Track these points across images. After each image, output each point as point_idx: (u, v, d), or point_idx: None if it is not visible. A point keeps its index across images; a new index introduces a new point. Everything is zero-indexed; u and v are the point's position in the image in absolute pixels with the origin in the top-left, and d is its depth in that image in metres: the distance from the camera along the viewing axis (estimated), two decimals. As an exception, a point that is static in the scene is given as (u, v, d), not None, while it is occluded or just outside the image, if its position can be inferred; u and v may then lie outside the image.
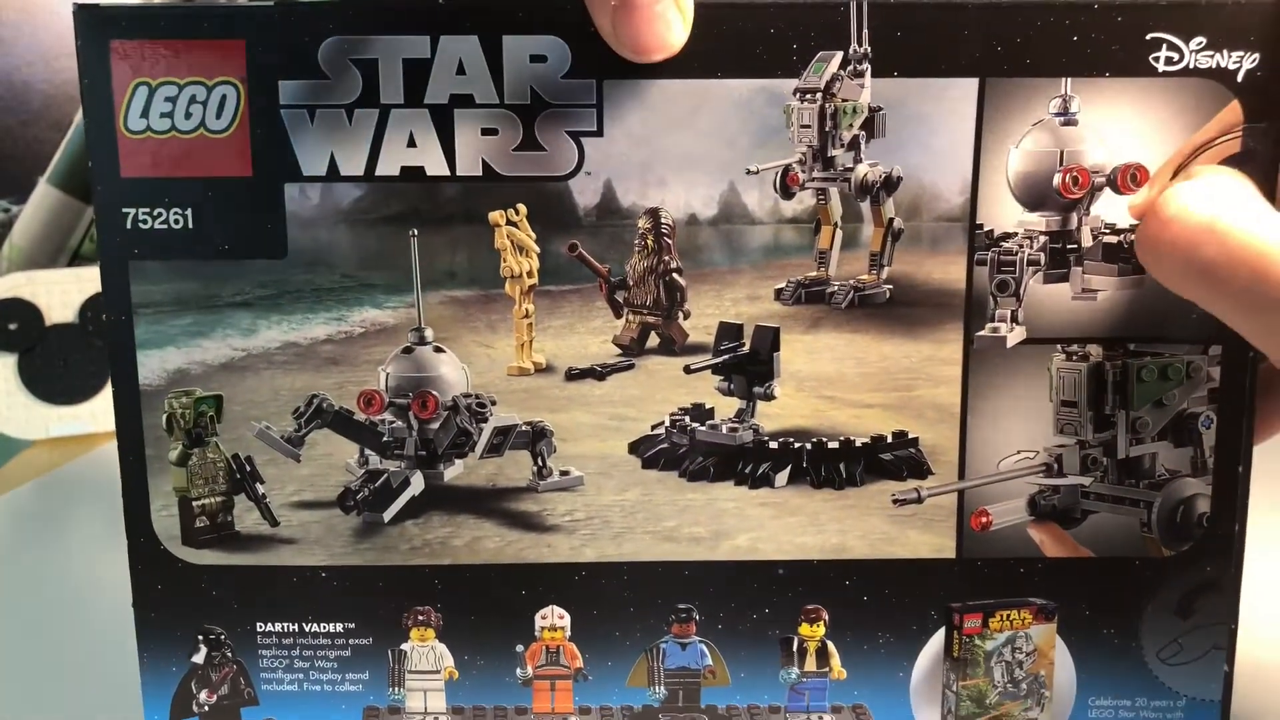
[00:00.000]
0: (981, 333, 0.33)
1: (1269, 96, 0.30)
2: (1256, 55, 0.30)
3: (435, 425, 0.33)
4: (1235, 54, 0.30)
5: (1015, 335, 0.33)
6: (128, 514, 0.33)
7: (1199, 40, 0.30)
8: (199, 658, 0.33)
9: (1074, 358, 0.33)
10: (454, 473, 0.33)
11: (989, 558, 0.34)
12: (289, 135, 0.31)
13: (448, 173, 0.31)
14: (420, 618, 0.33)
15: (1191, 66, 0.30)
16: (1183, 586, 0.34)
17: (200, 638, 0.33)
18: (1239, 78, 0.30)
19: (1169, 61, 0.30)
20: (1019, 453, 0.33)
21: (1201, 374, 0.33)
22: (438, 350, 0.32)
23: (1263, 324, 0.28)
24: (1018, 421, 0.33)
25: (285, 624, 0.33)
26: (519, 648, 0.34)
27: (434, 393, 0.33)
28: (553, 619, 0.33)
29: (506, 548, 0.33)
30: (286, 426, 0.32)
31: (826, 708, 0.34)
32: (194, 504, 0.33)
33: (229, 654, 0.33)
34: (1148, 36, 0.30)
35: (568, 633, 0.34)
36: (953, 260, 0.32)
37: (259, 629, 0.33)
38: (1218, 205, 0.28)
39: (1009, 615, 0.34)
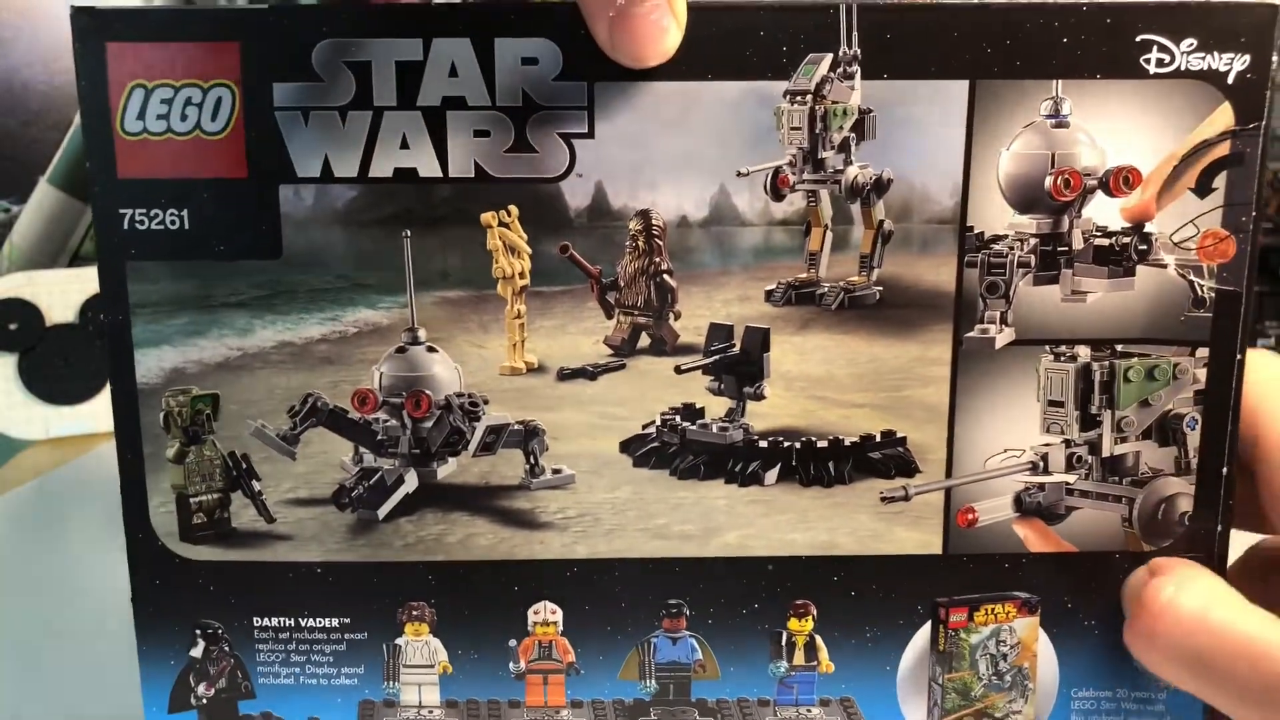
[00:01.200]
0: (971, 334, 0.33)
1: (1259, 99, 0.31)
2: (1247, 57, 0.30)
3: (429, 424, 0.33)
4: (1226, 56, 0.30)
5: (1004, 336, 0.33)
6: (126, 511, 0.33)
7: (1190, 42, 0.30)
8: (197, 652, 0.34)
9: (1062, 358, 0.33)
10: (447, 471, 0.34)
11: (974, 553, 0.34)
12: (283, 137, 0.31)
13: (440, 174, 0.32)
14: (415, 613, 0.34)
15: (1183, 69, 0.31)
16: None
17: (198, 632, 0.34)
18: (1229, 80, 0.31)
19: (1160, 63, 0.31)
20: (1005, 451, 0.34)
21: (1188, 376, 0.33)
22: (431, 350, 0.33)
23: (1261, 713, 0.29)
24: (1005, 421, 0.34)
25: (281, 619, 0.34)
26: (512, 642, 0.34)
27: (427, 392, 0.33)
28: (545, 614, 0.34)
29: (499, 544, 0.34)
30: (282, 425, 0.33)
31: (814, 700, 0.35)
32: (191, 501, 0.33)
33: (226, 648, 0.34)
34: (1138, 38, 0.30)
35: (560, 628, 0.34)
36: (943, 262, 0.33)
37: (256, 624, 0.34)
38: (1205, 597, 0.31)
39: (993, 609, 0.35)
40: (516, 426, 0.33)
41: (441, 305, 0.33)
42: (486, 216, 0.32)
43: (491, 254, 0.32)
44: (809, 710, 0.35)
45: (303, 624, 0.34)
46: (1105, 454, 0.34)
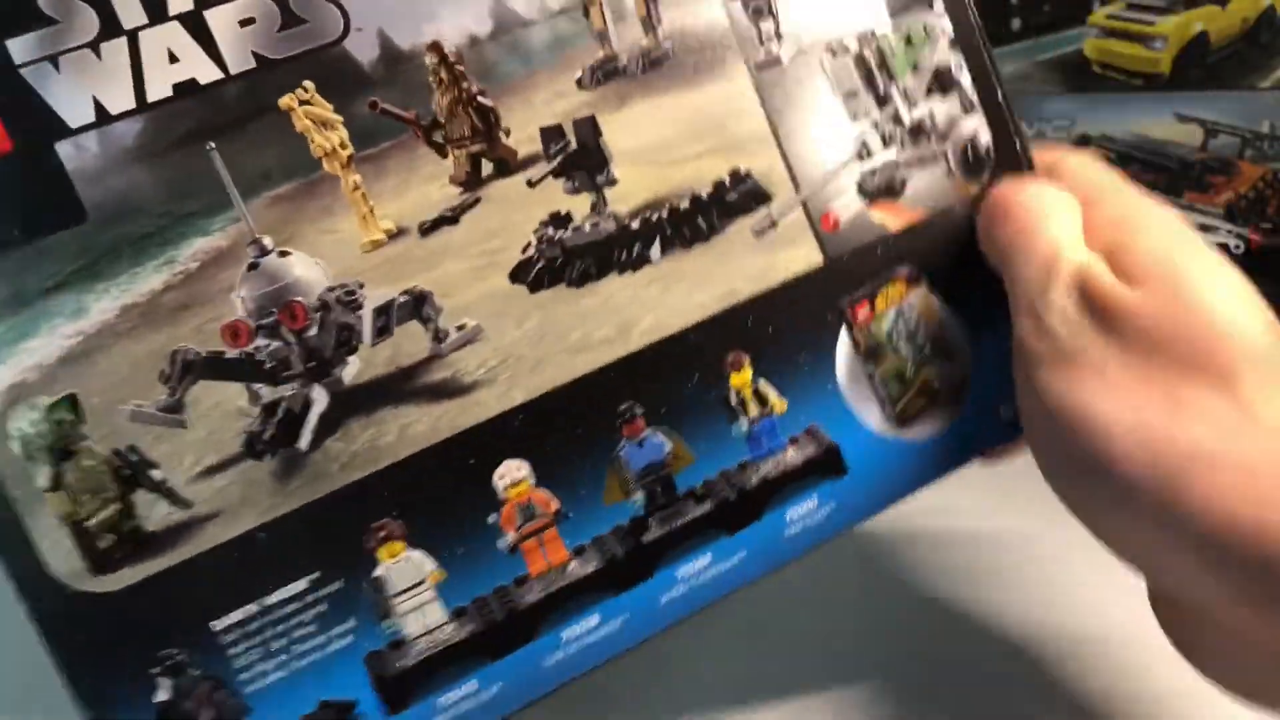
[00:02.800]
0: (759, 58, 0.35)
1: None
2: None
3: (313, 331, 0.31)
4: None
5: (787, 49, 0.36)
6: (16, 579, 0.28)
7: None
8: (163, 695, 0.29)
9: (838, 54, 0.36)
10: (353, 372, 0.31)
11: (850, 250, 0.36)
12: (40, 93, 0.28)
13: (221, 76, 0.30)
14: (382, 534, 0.31)
15: None
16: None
17: (156, 672, 0.29)
18: None
19: None
20: (833, 150, 0.36)
21: (936, 30, 0.37)
22: (284, 254, 0.31)
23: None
24: (820, 124, 0.36)
25: (243, 609, 0.30)
26: (491, 518, 0.32)
27: (299, 298, 0.31)
28: (512, 474, 0.33)
29: (437, 423, 0.32)
30: (159, 396, 0.29)
31: (784, 441, 0.35)
32: (89, 524, 0.29)
33: (197, 673, 0.30)
34: None
35: (533, 481, 0.33)
36: (710, 1, 0.35)
37: (216, 628, 0.30)
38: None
39: (887, 292, 0.37)
40: (403, 299, 0.32)
41: (276, 205, 0.31)
42: (285, 100, 0.31)
43: (305, 136, 0.31)
44: (784, 454, 0.36)
45: (268, 603, 0.30)
46: (907, 122, 0.37)
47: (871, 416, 0.37)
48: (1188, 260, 0.32)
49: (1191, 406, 0.30)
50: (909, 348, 0.37)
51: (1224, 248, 0.89)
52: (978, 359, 0.38)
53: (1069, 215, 0.35)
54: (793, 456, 0.36)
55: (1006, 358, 0.37)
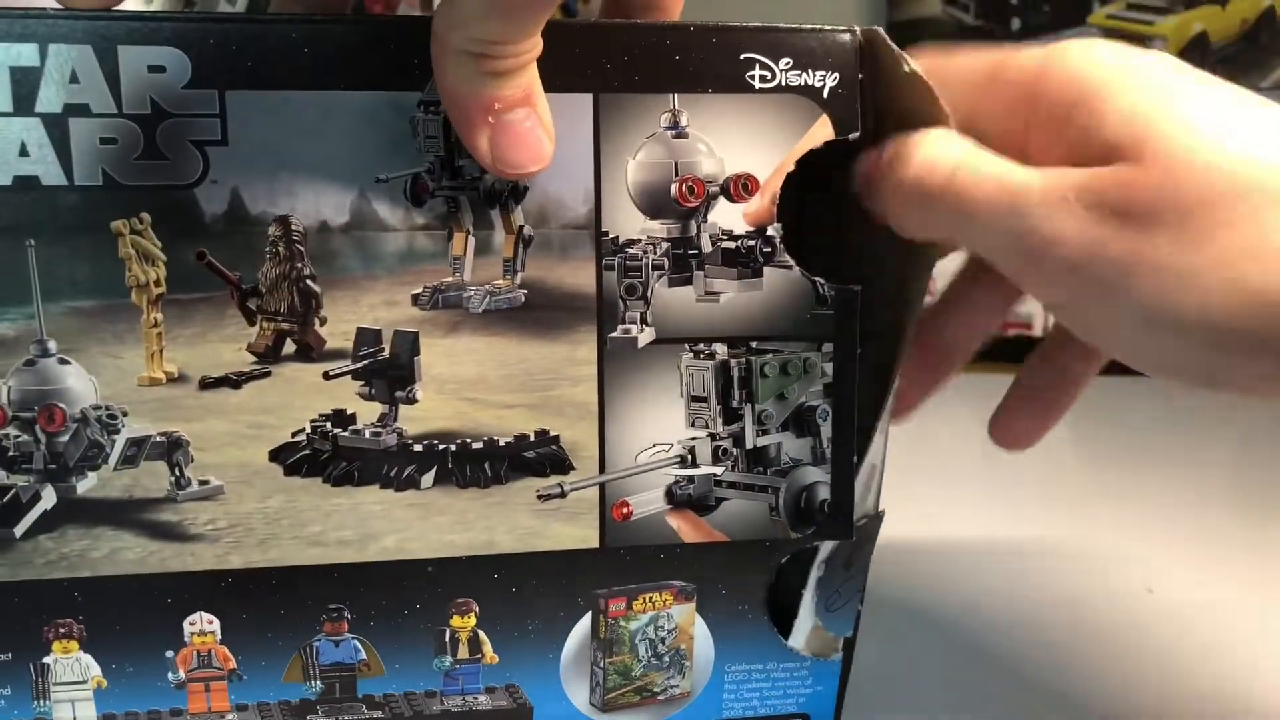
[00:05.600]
0: (614, 334, 0.35)
1: (850, 112, 0.33)
2: (837, 75, 0.33)
3: (64, 438, 0.33)
4: (819, 73, 0.33)
5: (645, 336, 0.35)
6: None
7: (787, 61, 0.33)
8: None
9: (701, 356, 0.35)
10: (88, 485, 0.33)
11: (631, 545, 0.36)
12: None
13: (65, 182, 0.31)
14: (62, 630, 0.34)
15: (783, 84, 0.33)
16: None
17: None
18: (825, 94, 0.33)
19: (763, 79, 0.33)
20: (654, 446, 0.36)
21: (816, 369, 0.36)
22: (63, 362, 0.32)
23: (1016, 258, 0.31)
24: (653, 417, 0.35)
25: None
26: (169, 653, 0.34)
27: (61, 405, 0.32)
28: (201, 624, 0.34)
29: (148, 557, 0.33)
30: (-98, 445, 0.32)
31: (480, 689, 0.36)
32: None
33: None
34: (741, 56, 0.33)
35: (218, 637, 0.34)
36: (582, 266, 0.34)
37: None
38: (958, 152, 0.31)
39: (651, 598, 0.37)
40: (159, 438, 0.33)
41: (73, 315, 0.32)
42: (117, 224, 0.32)
43: (124, 263, 0.32)
44: (475, 698, 0.36)
45: (-60, 650, 0.33)
46: (748, 446, 0.36)
47: (579, 695, 0.37)
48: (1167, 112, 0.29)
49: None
50: (648, 653, 0.37)
51: None
52: (713, 684, 0.38)
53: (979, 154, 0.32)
54: (483, 702, 0.37)
55: (739, 693, 0.36)
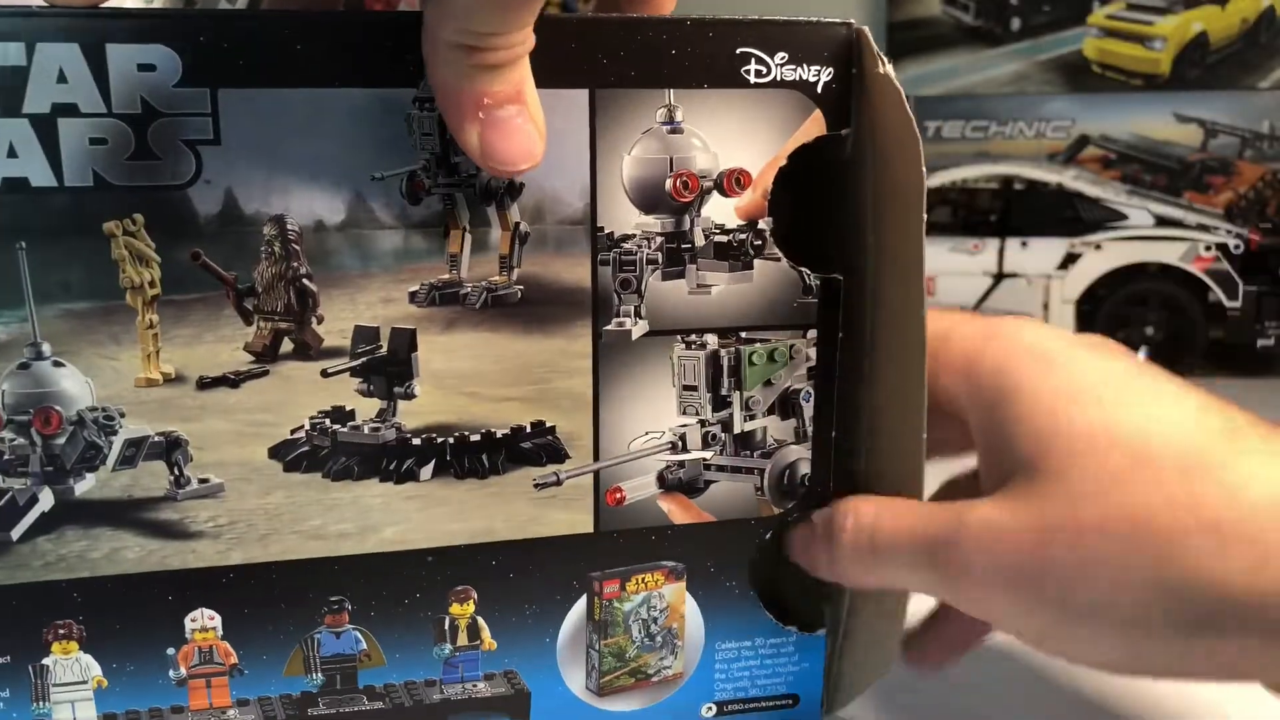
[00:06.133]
0: (609, 327, 0.35)
1: (844, 107, 0.34)
2: (831, 70, 0.34)
3: (61, 440, 0.33)
4: (814, 68, 0.34)
5: (639, 329, 0.36)
6: None
7: (782, 55, 0.33)
8: None
9: (693, 346, 0.36)
10: (86, 487, 0.33)
11: (624, 529, 0.37)
12: None
13: (55, 184, 0.30)
14: (61, 632, 0.34)
15: (778, 79, 0.34)
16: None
17: None
18: (819, 89, 0.34)
19: (758, 74, 0.34)
20: (647, 433, 0.37)
21: (801, 355, 0.37)
22: (57, 365, 0.32)
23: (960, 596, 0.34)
24: (645, 406, 0.36)
25: None
26: (170, 650, 0.35)
27: (56, 408, 0.32)
28: (203, 621, 0.34)
29: (148, 556, 0.34)
30: (-108, 452, 0.31)
31: (479, 675, 0.37)
32: None
33: None
34: (737, 50, 0.33)
35: (219, 632, 0.35)
36: (578, 261, 0.35)
37: None
38: (873, 512, 0.36)
39: (643, 578, 0.38)
40: (157, 438, 0.33)
41: (67, 318, 0.32)
42: (109, 226, 0.31)
43: (118, 264, 0.32)
44: (474, 685, 0.37)
45: (-64, 656, 0.33)
46: (736, 430, 0.37)
47: (575, 679, 0.38)
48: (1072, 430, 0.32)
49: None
50: (641, 633, 0.38)
51: (1223, 248, 0.87)
52: (704, 664, 0.39)
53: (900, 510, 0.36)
54: (482, 689, 0.37)
55: (730, 672, 0.38)
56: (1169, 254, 0.83)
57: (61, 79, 0.30)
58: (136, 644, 0.35)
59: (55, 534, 0.33)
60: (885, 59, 0.34)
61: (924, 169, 0.33)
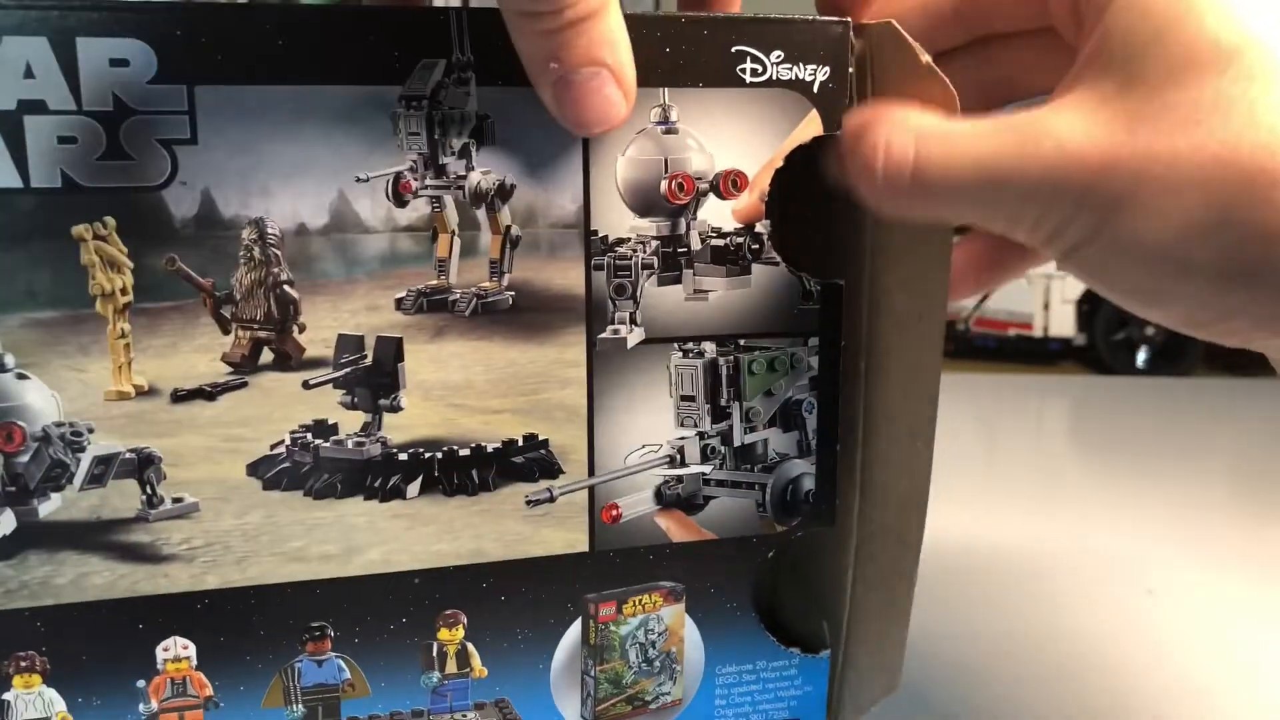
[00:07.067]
0: (603, 335, 0.34)
1: (839, 107, 0.33)
2: (827, 69, 0.33)
3: (24, 458, 0.31)
4: (810, 67, 0.33)
5: (635, 336, 0.34)
6: None
7: (778, 54, 0.32)
8: None
9: (690, 355, 0.35)
10: (51, 508, 0.31)
11: (620, 548, 0.35)
12: None
13: (20, 184, 0.29)
14: (23, 664, 0.31)
15: (774, 78, 0.33)
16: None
17: None
18: (815, 89, 0.33)
19: (754, 73, 0.33)
20: (644, 446, 0.35)
21: (803, 364, 0.36)
22: (21, 377, 0.30)
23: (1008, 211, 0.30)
24: (641, 417, 0.35)
25: None
26: (140, 683, 0.32)
27: (20, 423, 0.30)
28: (176, 650, 0.32)
29: (118, 581, 0.32)
30: None
31: (469, 705, 0.35)
32: None
33: None
34: (733, 49, 0.32)
35: (194, 662, 0.33)
36: (571, 266, 0.33)
37: None
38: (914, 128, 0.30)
39: (641, 600, 0.36)
40: (128, 455, 0.31)
41: (32, 327, 0.30)
42: (79, 230, 0.30)
43: (87, 270, 0.30)
44: (464, 715, 0.35)
45: (-114, 690, 0.31)
46: (736, 443, 0.36)
47: (569, 707, 0.36)
48: None
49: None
50: (639, 657, 0.37)
51: None
52: (704, 690, 0.37)
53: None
54: (473, 719, 0.35)
55: (730, 698, 0.36)
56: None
57: (29, 74, 0.29)
58: (104, 676, 0.32)
59: (17, 559, 0.31)
60: (923, 50, 0.32)
61: None
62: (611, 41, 0.29)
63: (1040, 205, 0.29)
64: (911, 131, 0.30)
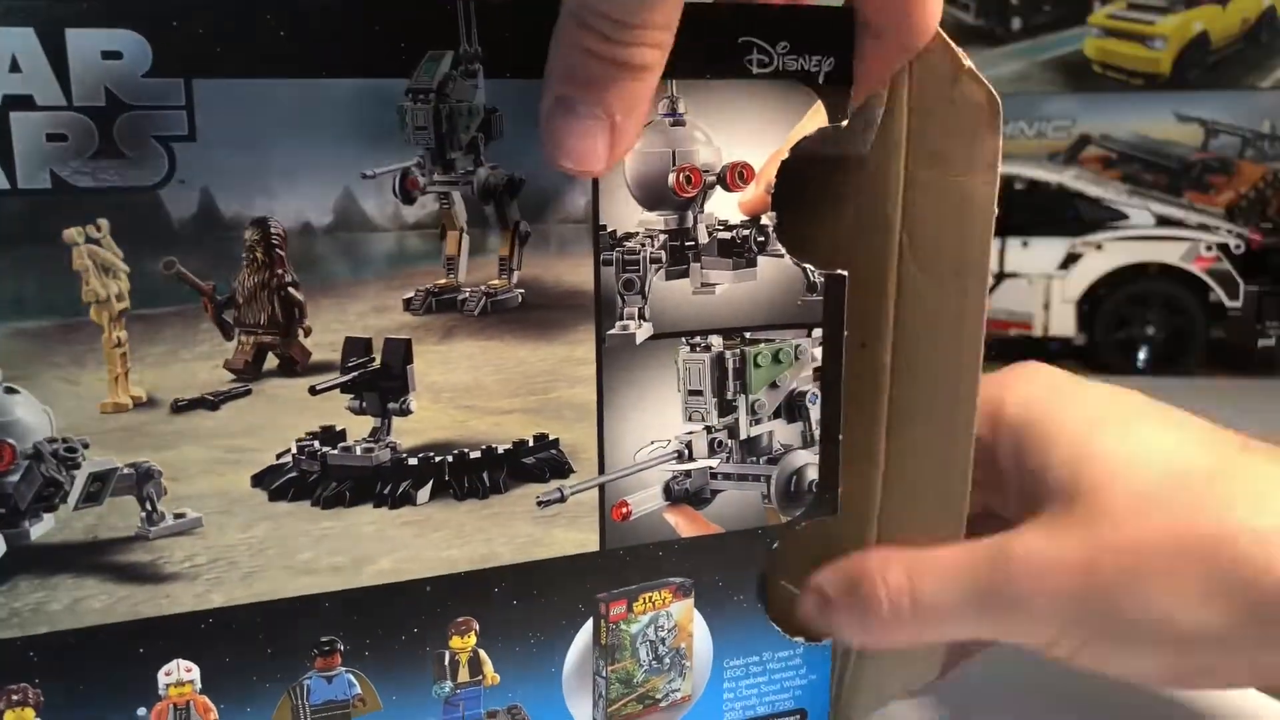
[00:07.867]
0: (613, 331, 0.34)
1: (844, 98, 0.33)
2: (832, 59, 0.33)
3: (14, 478, 0.29)
4: (815, 57, 0.33)
5: (643, 331, 0.34)
6: None
7: (784, 44, 0.32)
8: None
9: (697, 349, 0.35)
10: (43, 529, 0.29)
11: (630, 545, 0.35)
12: None
13: (7, 186, 0.27)
14: (15, 697, 0.30)
15: (780, 69, 0.33)
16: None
17: None
18: (820, 80, 0.33)
19: (761, 64, 0.33)
20: (652, 443, 0.35)
21: (807, 355, 0.36)
22: (10, 391, 0.28)
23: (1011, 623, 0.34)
24: (650, 413, 0.35)
25: None
26: (141, 711, 0.31)
27: (9, 440, 0.28)
28: (179, 674, 0.31)
29: (117, 605, 0.30)
30: None
31: (481, 714, 0.34)
32: None
33: None
34: (739, 40, 0.32)
35: (198, 686, 0.31)
36: (580, 262, 0.33)
37: None
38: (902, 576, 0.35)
39: (650, 597, 0.36)
40: (126, 470, 0.30)
41: (19, 338, 0.28)
42: (70, 233, 0.28)
43: (79, 275, 0.28)
44: (478, 726, 0.34)
45: None
46: (743, 436, 0.36)
47: (581, 710, 0.36)
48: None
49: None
50: (649, 656, 0.36)
51: (1224, 247, 0.89)
52: (712, 684, 0.37)
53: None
54: (486, 729, 0.35)
55: (738, 691, 0.36)
56: (1170, 254, 0.84)
57: (15, 68, 0.27)
58: (103, 706, 0.31)
59: (7, 586, 0.29)
60: (963, 53, 0.33)
61: (998, 173, 0.33)
62: (635, 104, 0.29)
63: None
64: (901, 563, 0.35)
